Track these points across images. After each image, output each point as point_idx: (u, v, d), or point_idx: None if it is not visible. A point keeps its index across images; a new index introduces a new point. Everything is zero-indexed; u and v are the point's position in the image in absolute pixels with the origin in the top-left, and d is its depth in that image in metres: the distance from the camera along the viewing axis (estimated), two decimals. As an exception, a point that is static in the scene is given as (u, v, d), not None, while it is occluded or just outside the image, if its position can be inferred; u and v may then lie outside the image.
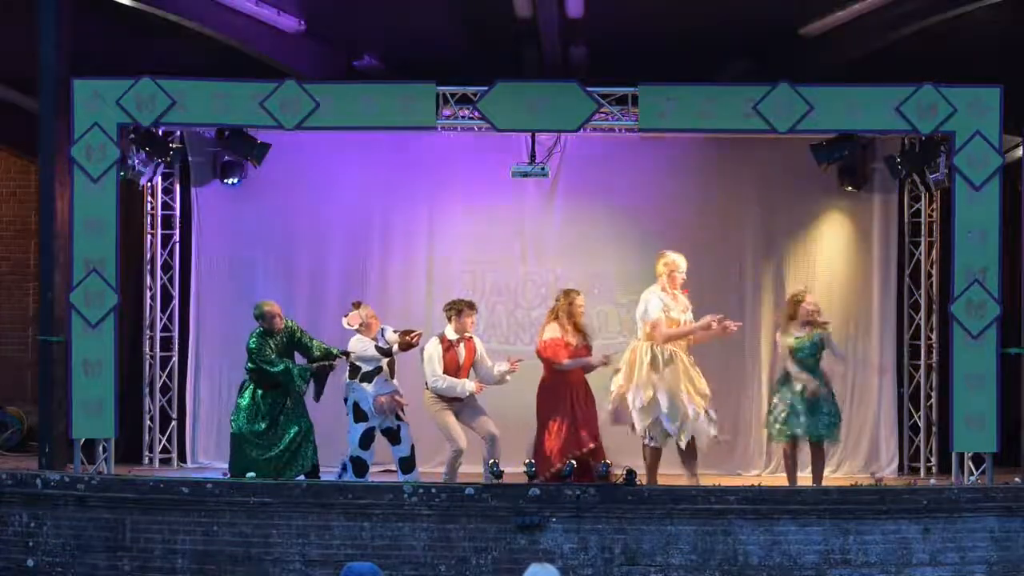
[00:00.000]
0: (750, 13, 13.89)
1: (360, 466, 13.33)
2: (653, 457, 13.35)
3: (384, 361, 13.27)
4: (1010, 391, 13.72)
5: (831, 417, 13.29)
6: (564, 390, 13.07)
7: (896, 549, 12.35)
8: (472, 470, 13.44)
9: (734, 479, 14.19)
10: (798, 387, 13.19)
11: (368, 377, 13.28)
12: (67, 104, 13.08)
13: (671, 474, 13.65)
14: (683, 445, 13.17)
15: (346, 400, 13.39)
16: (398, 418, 13.32)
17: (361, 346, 13.24)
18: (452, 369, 13.22)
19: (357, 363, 13.27)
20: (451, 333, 13.28)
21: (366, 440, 13.31)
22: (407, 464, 13.38)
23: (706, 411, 13.15)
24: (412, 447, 13.40)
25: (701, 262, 13.74)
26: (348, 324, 13.33)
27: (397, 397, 13.27)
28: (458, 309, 13.32)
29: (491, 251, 14.23)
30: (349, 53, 14.72)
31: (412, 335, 13.14)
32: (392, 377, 13.33)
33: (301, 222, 14.91)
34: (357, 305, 13.38)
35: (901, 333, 14.88)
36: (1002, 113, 13.00)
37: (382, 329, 13.33)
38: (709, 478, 13.57)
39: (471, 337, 13.31)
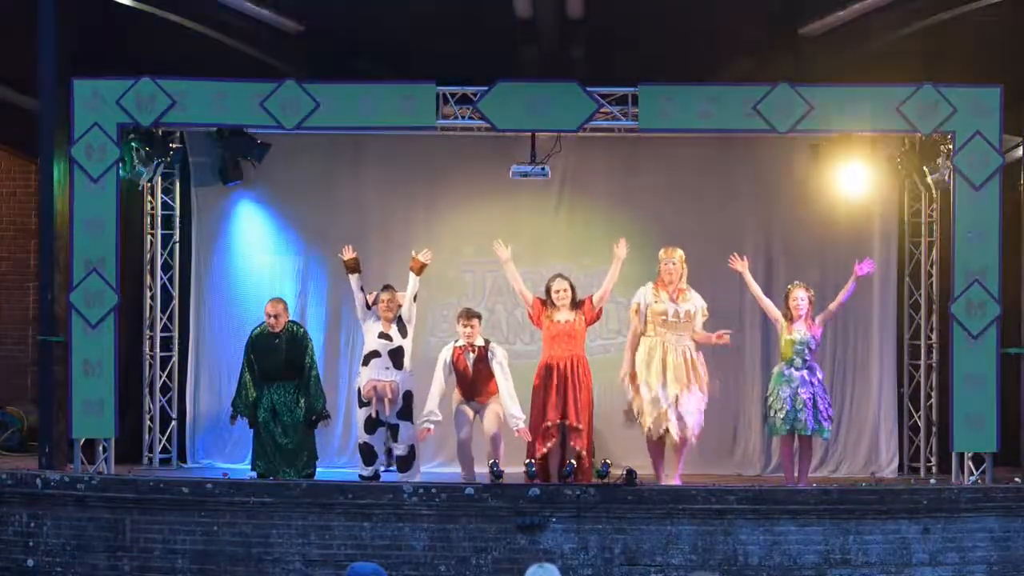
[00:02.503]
0: (750, 13, 13.89)
1: (366, 452, 13.37)
2: (652, 450, 13.41)
3: (385, 348, 13.31)
4: (1010, 391, 13.73)
5: (825, 412, 13.34)
6: (547, 365, 13.12)
7: (896, 549, 12.36)
8: (476, 470, 13.47)
9: (734, 479, 14.19)
10: (796, 382, 13.25)
11: (365, 360, 13.36)
12: (67, 104, 13.09)
13: (690, 472, 13.71)
14: (653, 438, 13.28)
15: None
16: (399, 416, 13.33)
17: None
18: (459, 375, 13.33)
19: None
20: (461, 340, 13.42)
21: (368, 425, 13.36)
22: (402, 463, 13.42)
23: (671, 406, 13.17)
24: (411, 448, 13.42)
25: (701, 262, 13.73)
26: (368, 304, 13.51)
27: (378, 384, 13.26)
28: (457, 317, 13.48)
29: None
30: (349, 53, 14.72)
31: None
32: (400, 367, 13.35)
33: (301, 222, 14.90)
34: (386, 287, 13.55)
35: (901, 333, 14.87)
36: (1002, 113, 13.01)
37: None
38: (709, 478, 13.60)
39: (483, 348, 13.32)
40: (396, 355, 13.37)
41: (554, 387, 13.03)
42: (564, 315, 13.17)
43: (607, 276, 13.32)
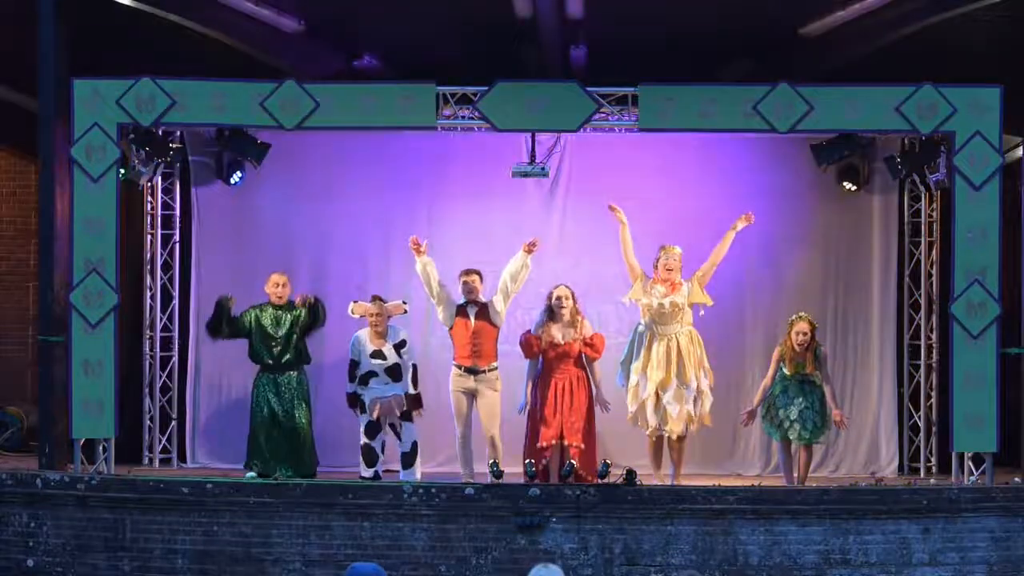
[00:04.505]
0: (750, 13, 13.89)
1: (367, 454, 13.39)
2: (650, 447, 13.45)
3: (381, 367, 13.32)
4: (1010, 391, 13.73)
5: (818, 420, 13.35)
6: (543, 383, 13.13)
7: (896, 549, 12.36)
8: (476, 469, 13.49)
9: (734, 479, 14.19)
10: (792, 393, 13.27)
11: (364, 380, 13.35)
12: (67, 104, 13.09)
13: (690, 472, 13.80)
14: (650, 435, 13.40)
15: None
16: (401, 417, 13.36)
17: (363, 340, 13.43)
18: (461, 333, 13.30)
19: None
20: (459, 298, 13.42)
21: (371, 431, 13.37)
22: (406, 459, 13.45)
23: (662, 400, 13.23)
24: (414, 444, 13.46)
25: (701, 262, 13.72)
26: (352, 311, 13.46)
27: (383, 403, 13.29)
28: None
29: (491, 251, 14.21)
30: (349, 53, 14.72)
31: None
32: (399, 380, 13.35)
33: (301, 222, 14.89)
34: (374, 299, 13.48)
35: (901, 333, 14.87)
36: (1002, 113, 13.00)
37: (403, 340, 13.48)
38: (709, 478, 13.60)
39: (485, 306, 13.31)
40: (392, 372, 13.36)
41: (550, 408, 13.02)
42: (560, 334, 13.12)
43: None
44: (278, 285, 13.66)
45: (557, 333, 13.15)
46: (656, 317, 13.42)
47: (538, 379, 13.19)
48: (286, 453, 13.50)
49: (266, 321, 13.59)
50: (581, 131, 13.46)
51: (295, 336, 13.57)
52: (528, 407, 13.21)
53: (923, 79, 13.06)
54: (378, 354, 13.36)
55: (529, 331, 13.28)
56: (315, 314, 13.57)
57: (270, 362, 13.55)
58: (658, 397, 13.31)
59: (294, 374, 13.60)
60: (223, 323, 13.62)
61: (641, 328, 13.52)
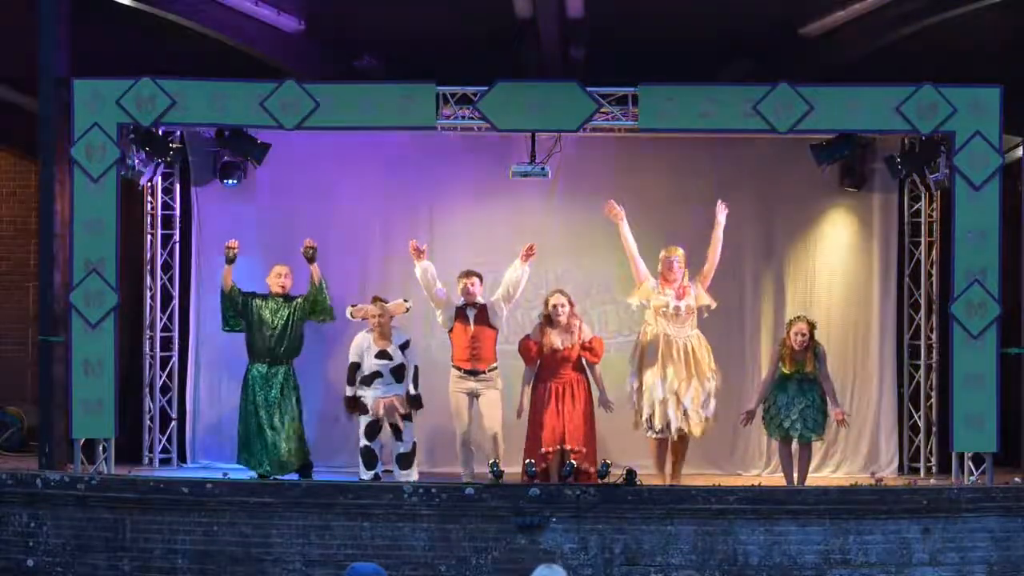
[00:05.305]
0: (750, 13, 13.90)
1: (367, 456, 13.40)
2: (655, 448, 13.45)
3: (387, 368, 13.35)
4: (1010, 391, 13.73)
5: (819, 418, 13.34)
6: (543, 388, 13.12)
7: (896, 549, 12.36)
8: (476, 470, 13.49)
9: (734, 479, 14.19)
10: (792, 392, 13.26)
11: (369, 380, 13.34)
12: (67, 104, 13.10)
13: (690, 472, 13.83)
14: (654, 435, 13.40)
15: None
16: (403, 417, 13.36)
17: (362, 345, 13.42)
18: (460, 336, 13.34)
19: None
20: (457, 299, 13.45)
21: (370, 432, 13.37)
22: (404, 460, 13.46)
23: (679, 402, 13.23)
24: (414, 444, 13.49)
25: (701, 262, 13.72)
26: (351, 315, 13.49)
27: (386, 402, 13.29)
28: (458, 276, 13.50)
29: (491, 251, 14.21)
30: (349, 53, 14.72)
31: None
32: (401, 381, 13.35)
33: (301, 222, 14.88)
34: (374, 300, 13.47)
35: (901, 333, 14.88)
36: (1002, 113, 13.01)
37: (406, 341, 13.52)
38: (709, 478, 13.60)
39: (483, 309, 13.33)
40: (398, 372, 13.37)
41: (551, 413, 13.02)
42: (558, 339, 13.11)
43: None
44: (280, 275, 13.74)
45: (557, 339, 13.14)
46: (669, 320, 13.40)
47: (536, 384, 13.18)
48: (270, 449, 13.50)
49: (266, 312, 13.64)
50: (581, 131, 13.46)
51: (292, 326, 13.61)
52: (527, 412, 13.18)
53: (923, 79, 13.06)
54: (383, 354, 13.37)
55: (528, 336, 13.27)
56: (320, 291, 13.68)
57: (264, 353, 13.58)
58: (678, 399, 13.29)
59: (282, 368, 13.63)
60: (223, 291, 13.68)
61: (651, 331, 13.49)
